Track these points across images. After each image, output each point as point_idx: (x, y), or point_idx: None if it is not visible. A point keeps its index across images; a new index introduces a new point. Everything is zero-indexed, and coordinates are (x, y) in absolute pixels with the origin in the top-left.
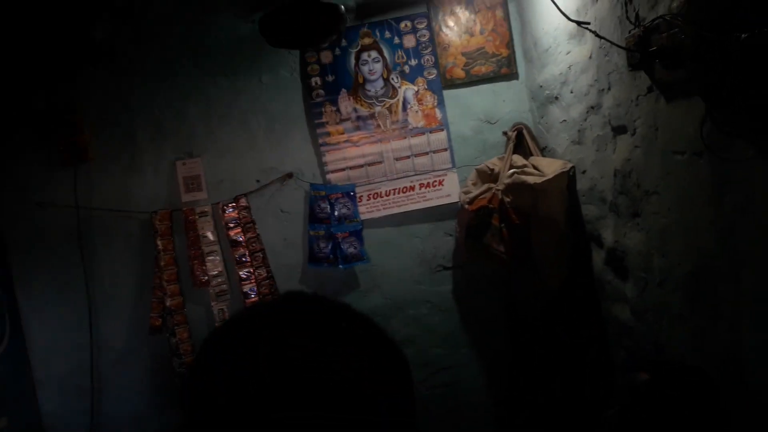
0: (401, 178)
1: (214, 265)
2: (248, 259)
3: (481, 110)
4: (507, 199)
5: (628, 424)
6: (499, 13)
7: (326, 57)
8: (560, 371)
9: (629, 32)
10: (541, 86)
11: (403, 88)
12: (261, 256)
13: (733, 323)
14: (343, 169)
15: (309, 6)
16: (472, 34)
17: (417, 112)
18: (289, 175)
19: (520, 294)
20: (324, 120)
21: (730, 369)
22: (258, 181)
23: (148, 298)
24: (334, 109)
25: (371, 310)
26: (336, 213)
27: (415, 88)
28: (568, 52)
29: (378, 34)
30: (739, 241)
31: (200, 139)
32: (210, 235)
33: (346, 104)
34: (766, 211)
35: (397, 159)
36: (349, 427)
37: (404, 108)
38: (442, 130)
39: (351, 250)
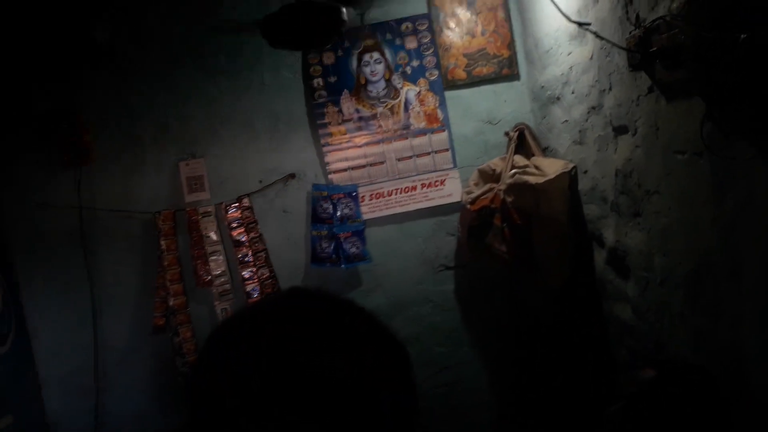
0: (403, 178)
1: (217, 264)
2: (251, 259)
3: (483, 111)
4: (509, 199)
5: (632, 420)
6: (501, 14)
7: (328, 58)
8: (563, 370)
9: (630, 33)
10: (542, 87)
11: (405, 89)
12: (264, 255)
13: (735, 322)
14: (345, 170)
15: (310, 7)
16: (473, 35)
17: (419, 112)
18: (292, 176)
19: (522, 294)
20: (326, 121)
21: (732, 367)
22: (260, 181)
23: (151, 298)
24: (336, 109)
25: (373, 310)
26: (338, 213)
27: (417, 89)
28: (569, 53)
29: (380, 35)
30: (740, 239)
31: (203, 140)
32: (213, 235)
33: (348, 105)
34: (767, 210)
35: (399, 159)
36: (352, 426)
37: (406, 109)
38: (444, 130)
39: (353, 249)
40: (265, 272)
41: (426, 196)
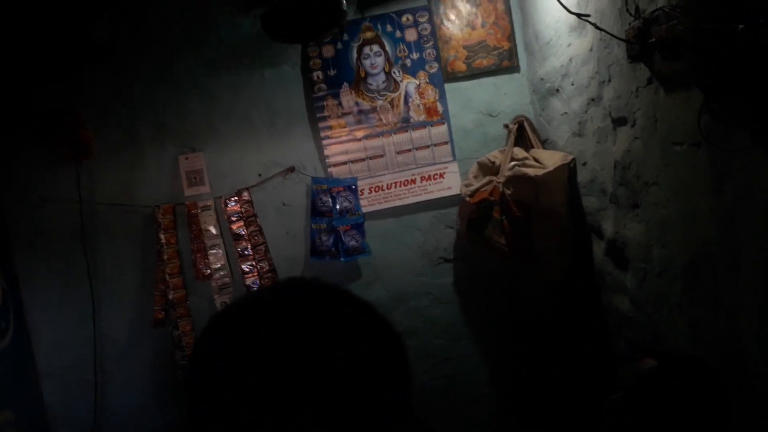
0: (403, 171)
1: (216, 258)
2: (250, 253)
3: (483, 103)
4: (508, 192)
5: (630, 411)
6: (501, 6)
7: (328, 51)
8: (562, 362)
9: (629, 24)
10: (542, 79)
11: (405, 81)
12: (263, 249)
13: (733, 313)
14: (344, 163)
15: (310, 0)
16: (473, 27)
17: (418, 105)
18: (291, 169)
19: (521, 286)
20: (326, 114)
21: (730, 358)
22: (260, 174)
23: (151, 292)
24: (336, 102)
25: (373, 302)
26: (338, 206)
27: (417, 82)
28: (569, 45)
29: (380, 27)
30: (738, 230)
31: (202, 134)
32: (212, 229)
33: (347, 98)
34: (764, 201)
35: (398, 152)
36: (352, 418)
37: (406, 102)
38: (444, 123)
39: (353, 242)
40: (265, 265)
41: (425, 189)
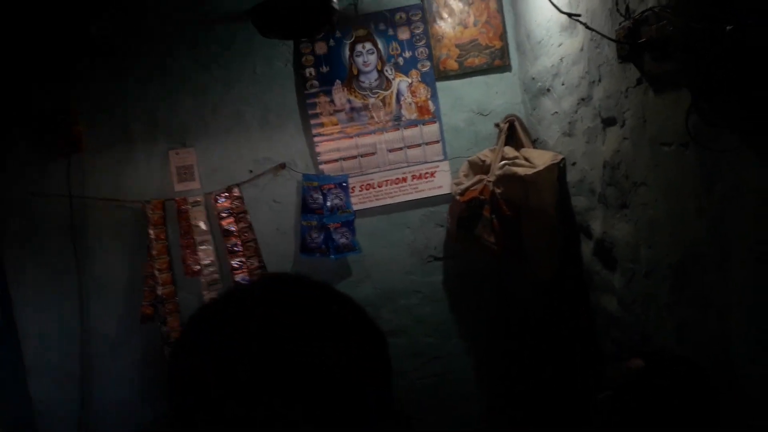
0: (394, 169)
1: (206, 254)
2: (240, 249)
3: (474, 102)
4: (498, 191)
5: (618, 411)
6: (493, 5)
7: (320, 48)
8: (552, 361)
9: (619, 24)
10: (533, 78)
11: (397, 80)
12: (253, 245)
13: (722, 313)
14: (336, 160)
15: None
16: (465, 26)
17: (410, 104)
18: (282, 166)
19: (511, 285)
20: (318, 111)
21: (719, 359)
22: (251, 171)
23: (140, 287)
24: (328, 100)
25: (362, 300)
26: (328, 203)
27: (409, 81)
28: (560, 44)
29: (372, 25)
30: (727, 231)
31: (194, 130)
32: (202, 225)
33: (340, 95)
34: (753, 201)
35: (390, 150)
36: (340, 415)
37: (398, 100)
38: (435, 122)
39: (343, 240)
40: (255, 262)
41: (416, 188)
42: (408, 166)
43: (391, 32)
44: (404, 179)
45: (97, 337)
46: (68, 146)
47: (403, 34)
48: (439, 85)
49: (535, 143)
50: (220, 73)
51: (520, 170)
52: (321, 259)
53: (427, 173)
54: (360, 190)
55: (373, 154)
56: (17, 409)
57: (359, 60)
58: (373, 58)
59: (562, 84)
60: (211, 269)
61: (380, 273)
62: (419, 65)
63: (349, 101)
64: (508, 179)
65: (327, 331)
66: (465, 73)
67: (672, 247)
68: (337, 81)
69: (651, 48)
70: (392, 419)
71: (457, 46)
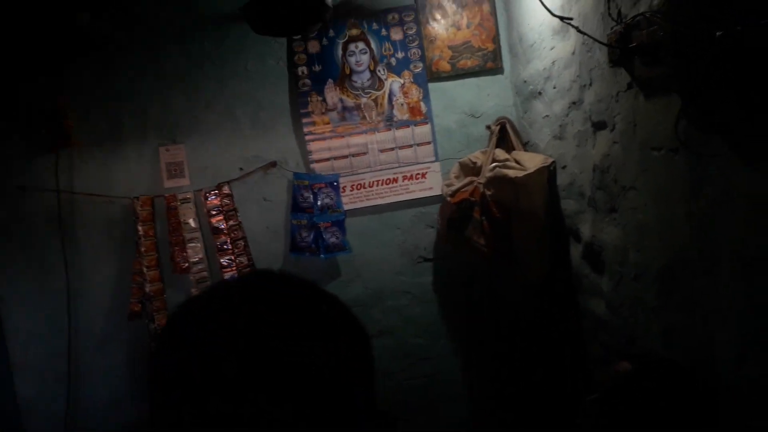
0: (385, 169)
1: (195, 251)
2: (229, 247)
3: (466, 104)
4: (488, 193)
5: (607, 414)
6: (486, 7)
7: (313, 47)
8: (541, 364)
9: (611, 29)
10: (525, 81)
11: (390, 80)
12: (242, 243)
13: (709, 318)
14: (327, 159)
15: None
16: (458, 28)
17: (402, 104)
18: (273, 164)
19: (501, 287)
20: (310, 110)
21: (705, 363)
22: (241, 168)
23: (128, 284)
24: (320, 99)
25: (352, 300)
26: (319, 202)
27: (401, 81)
28: (552, 48)
29: (366, 25)
30: (715, 236)
31: (184, 126)
32: (191, 222)
33: (332, 95)
34: (742, 206)
35: (381, 151)
36: (328, 415)
37: (390, 100)
38: (427, 123)
39: (333, 239)
40: (244, 260)
41: (407, 189)
42: (399, 167)
43: (384, 32)
44: (395, 180)
45: (84, 334)
46: (57, 140)
47: (396, 35)
48: (432, 86)
49: (526, 146)
50: (212, 70)
51: (511, 172)
52: (311, 259)
53: (418, 174)
54: (351, 190)
55: (364, 154)
56: (3, 408)
57: (352, 59)
58: (365, 58)
59: (554, 87)
60: (199, 267)
61: (370, 273)
62: (412, 66)
63: (341, 101)
64: (498, 181)
65: (315, 331)
66: (457, 74)
67: (660, 251)
68: (330, 80)
69: (642, 53)
70: (379, 420)
71: (449, 47)
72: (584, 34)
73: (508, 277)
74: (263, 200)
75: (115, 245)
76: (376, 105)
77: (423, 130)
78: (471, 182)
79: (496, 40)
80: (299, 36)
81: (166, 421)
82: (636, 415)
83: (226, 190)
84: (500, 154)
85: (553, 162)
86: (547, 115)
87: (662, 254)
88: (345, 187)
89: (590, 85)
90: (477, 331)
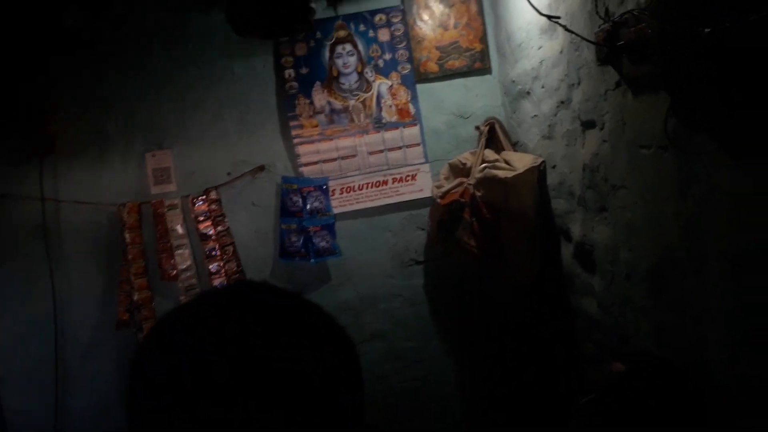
0: (374, 172)
1: (183, 258)
2: (218, 253)
3: (455, 105)
4: (478, 194)
5: (601, 413)
6: (473, 7)
7: (300, 49)
8: (533, 364)
9: (599, 27)
10: (513, 81)
11: (377, 82)
12: (231, 249)
13: (699, 317)
14: (316, 163)
15: None
16: (446, 28)
17: (391, 106)
18: (261, 168)
19: (491, 288)
20: (297, 113)
21: (696, 362)
22: (229, 173)
23: (116, 292)
24: (307, 101)
25: (343, 304)
26: (308, 206)
27: (389, 83)
28: (539, 47)
29: (353, 26)
30: (702, 234)
31: (171, 131)
32: (179, 229)
33: (320, 97)
34: (729, 204)
35: (370, 153)
36: (316, 423)
37: (378, 102)
38: (416, 124)
39: (323, 243)
40: (233, 266)
41: (397, 191)
42: (389, 169)
43: (371, 34)
44: (385, 182)
45: (71, 343)
46: (42, 147)
47: (384, 36)
48: (420, 87)
49: (515, 146)
50: (198, 74)
51: (501, 173)
52: (301, 263)
53: (407, 176)
54: (340, 193)
55: (353, 156)
56: None
57: (339, 61)
58: (353, 60)
59: (542, 87)
60: (188, 274)
61: (361, 277)
62: (399, 67)
63: (329, 103)
64: (488, 182)
65: (302, 340)
66: (445, 75)
67: (650, 250)
68: (317, 82)
69: (629, 51)
70: (367, 428)
71: (437, 48)
72: (572, 32)
73: (498, 277)
74: (252, 205)
75: (102, 253)
76: (365, 107)
77: (412, 132)
78: (461, 183)
79: (483, 40)
80: (285, 38)
81: (156, 426)
82: (630, 415)
83: (213, 195)
84: (490, 154)
85: (543, 162)
86: (535, 115)
87: (652, 253)
88: (334, 190)
89: (578, 84)
90: (469, 332)
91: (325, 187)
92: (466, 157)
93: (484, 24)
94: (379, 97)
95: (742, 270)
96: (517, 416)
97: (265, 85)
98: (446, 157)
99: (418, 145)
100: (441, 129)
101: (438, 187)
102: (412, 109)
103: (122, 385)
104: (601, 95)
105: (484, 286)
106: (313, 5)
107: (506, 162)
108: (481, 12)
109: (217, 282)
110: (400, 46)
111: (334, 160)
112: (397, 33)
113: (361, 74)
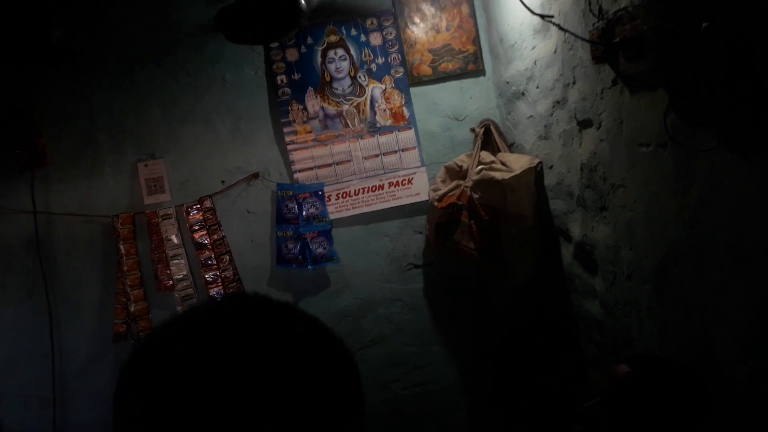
0: (370, 176)
1: (178, 268)
2: (214, 262)
3: (449, 107)
4: (476, 196)
5: (608, 416)
6: (465, 9)
7: (292, 55)
8: (534, 366)
9: (593, 25)
10: (507, 82)
11: (371, 86)
12: (227, 258)
13: (704, 315)
14: (311, 168)
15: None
16: (438, 31)
17: (385, 110)
18: (255, 175)
19: (491, 290)
20: (290, 119)
21: (702, 360)
22: (223, 181)
23: (112, 305)
24: (300, 107)
25: (342, 311)
26: (304, 213)
27: (383, 87)
28: (533, 47)
29: (344, 31)
30: (705, 231)
31: (163, 140)
32: (174, 238)
33: (313, 103)
34: (731, 201)
35: (365, 158)
36: None
37: (372, 107)
38: (410, 128)
39: (320, 250)
40: (229, 275)
41: (393, 195)
42: (385, 173)
43: (363, 38)
44: (381, 187)
45: (68, 357)
46: (32, 159)
47: (376, 40)
48: (413, 90)
49: (512, 147)
50: (188, 82)
51: (498, 174)
52: (298, 270)
53: (404, 180)
54: (336, 199)
55: (348, 161)
56: None
57: (332, 66)
58: (345, 65)
59: (537, 87)
60: (184, 284)
61: (359, 282)
62: (392, 71)
63: (322, 108)
64: (485, 184)
65: (297, 356)
66: (439, 78)
67: (652, 248)
68: (310, 88)
69: (625, 48)
70: None
71: (430, 51)
72: (566, 31)
73: (498, 280)
74: (247, 213)
75: (97, 265)
76: (359, 112)
77: (407, 136)
78: (458, 186)
79: (476, 41)
80: (276, 44)
81: None
82: (636, 419)
83: (208, 204)
84: (486, 156)
85: (540, 162)
86: (531, 116)
87: (654, 251)
88: (330, 196)
89: (574, 83)
90: (469, 336)
91: (320, 193)
92: (462, 160)
93: (476, 26)
94: (372, 101)
95: (751, 267)
96: (519, 420)
97: (258, 92)
98: (442, 160)
99: (413, 148)
100: (436, 132)
101: (435, 190)
102: (406, 112)
103: None
104: (597, 94)
105: (485, 288)
106: (304, 8)
107: (503, 163)
108: (473, 14)
109: (213, 291)
110: (392, 49)
111: (329, 165)
112: (389, 37)
113: (354, 79)
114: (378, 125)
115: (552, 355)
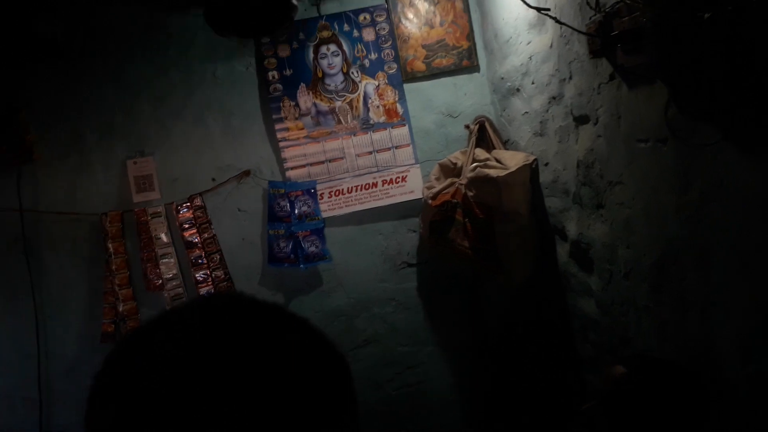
0: (364, 174)
1: (168, 267)
2: (204, 261)
3: (443, 104)
4: (470, 194)
5: (606, 417)
6: (459, 4)
7: (283, 50)
8: (529, 366)
9: (590, 18)
10: (502, 78)
11: (364, 82)
12: (218, 257)
13: (704, 314)
14: (303, 166)
15: None
16: (432, 26)
17: (378, 107)
18: (247, 173)
19: (485, 289)
20: (282, 115)
21: (702, 360)
22: (214, 179)
23: (100, 304)
24: (292, 104)
25: (335, 310)
26: (296, 211)
27: (376, 83)
28: (528, 42)
29: (336, 26)
30: (707, 229)
31: (152, 137)
32: (163, 237)
33: (305, 99)
34: (735, 198)
35: (359, 155)
36: None
37: (365, 103)
38: (404, 125)
39: (312, 249)
40: (220, 274)
41: (387, 193)
42: (378, 171)
43: (356, 33)
44: (375, 184)
45: (55, 358)
46: (18, 156)
47: (369, 36)
48: (407, 87)
49: (507, 144)
50: (179, 78)
51: (492, 172)
52: (290, 269)
53: (398, 177)
54: (329, 197)
55: (341, 159)
56: None
57: (324, 62)
58: (338, 61)
59: (532, 83)
60: (174, 283)
61: (352, 281)
62: (386, 67)
63: (314, 105)
64: (480, 181)
65: (284, 361)
66: (433, 74)
67: (650, 247)
68: (302, 84)
69: (623, 41)
70: None
71: (423, 46)
72: (563, 24)
73: (492, 279)
74: (238, 211)
75: (85, 264)
76: (351, 108)
77: (400, 132)
78: (452, 183)
79: (470, 37)
80: (268, 40)
81: None
82: (633, 421)
83: (198, 202)
84: (480, 153)
85: (535, 159)
86: (526, 112)
87: (652, 249)
88: (323, 193)
89: (570, 78)
90: (462, 335)
91: (313, 190)
92: (456, 157)
93: (470, 21)
94: (365, 97)
95: (755, 265)
96: (514, 421)
97: (249, 88)
98: (436, 158)
99: (407, 145)
100: (430, 128)
101: (429, 188)
102: (400, 109)
103: None
104: (594, 89)
105: (479, 286)
106: (294, 2)
107: (497, 161)
108: (467, 9)
109: (204, 290)
110: (385, 45)
111: (322, 162)
112: (383, 32)
113: (346, 75)
114: (371, 122)
115: (548, 354)
